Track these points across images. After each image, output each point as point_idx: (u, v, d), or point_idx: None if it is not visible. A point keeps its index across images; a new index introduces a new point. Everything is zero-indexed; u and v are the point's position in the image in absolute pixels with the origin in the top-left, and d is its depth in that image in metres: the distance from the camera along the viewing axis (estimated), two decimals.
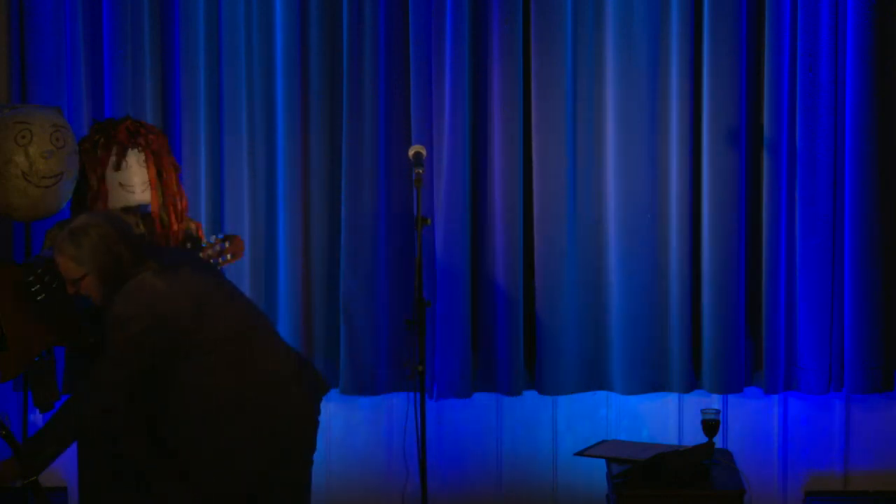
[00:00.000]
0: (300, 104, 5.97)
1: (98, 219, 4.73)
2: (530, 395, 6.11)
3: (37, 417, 5.95)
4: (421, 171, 5.15)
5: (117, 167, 5.26)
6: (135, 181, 5.28)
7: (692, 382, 6.03)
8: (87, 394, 4.65)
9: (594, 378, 6.08)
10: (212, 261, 5.21)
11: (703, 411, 5.73)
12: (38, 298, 5.02)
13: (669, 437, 6.11)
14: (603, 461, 5.75)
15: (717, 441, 5.83)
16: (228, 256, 5.23)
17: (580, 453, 5.80)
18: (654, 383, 6.04)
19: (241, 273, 5.95)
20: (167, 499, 4.84)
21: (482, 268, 6.04)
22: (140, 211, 5.36)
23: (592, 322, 6.05)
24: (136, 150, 5.28)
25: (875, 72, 5.89)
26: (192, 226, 5.41)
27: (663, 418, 6.14)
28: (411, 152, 5.25)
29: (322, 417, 6.15)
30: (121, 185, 5.27)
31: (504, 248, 5.98)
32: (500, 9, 5.93)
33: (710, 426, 5.69)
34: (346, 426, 6.16)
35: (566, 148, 5.97)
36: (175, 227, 5.33)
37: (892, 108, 5.94)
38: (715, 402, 6.05)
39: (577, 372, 6.05)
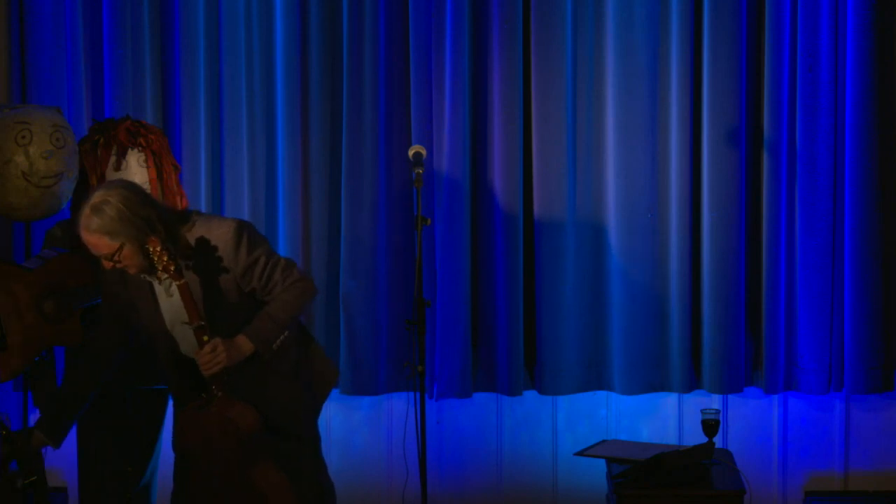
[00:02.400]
0: (300, 104, 5.97)
1: (113, 187, 4.69)
2: (530, 395, 6.11)
3: (37, 417, 5.94)
4: (421, 171, 5.15)
5: (117, 167, 5.27)
6: (135, 181, 5.28)
7: (692, 382, 6.03)
8: (296, 283, 4.77)
9: (594, 378, 6.08)
10: None
11: (703, 411, 5.74)
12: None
13: (669, 437, 6.11)
14: (603, 461, 5.76)
15: (717, 441, 5.83)
16: None
17: (580, 453, 5.80)
18: (654, 383, 6.04)
19: None
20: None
21: (482, 267, 6.04)
22: None
23: (592, 322, 6.05)
24: (136, 150, 5.28)
25: (875, 72, 5.89)
26: None
27: (663, 418, 6.14)
28: (411, 152, 5.25)
29: (322, 417, 6.17)
30: None
31: (504, 247, 5.98)
32: (500, 9, 5.92)
33: (710, 426, 5.69)
34: (346, 426, 6.16)
35: (566, 147, 5.97)
36: None
37: (892, 108, 5.94)
38: (715, 402, 6.05)
39: (577, 372, 6.05)
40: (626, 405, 6.14)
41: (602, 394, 6.13)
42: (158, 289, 4.80)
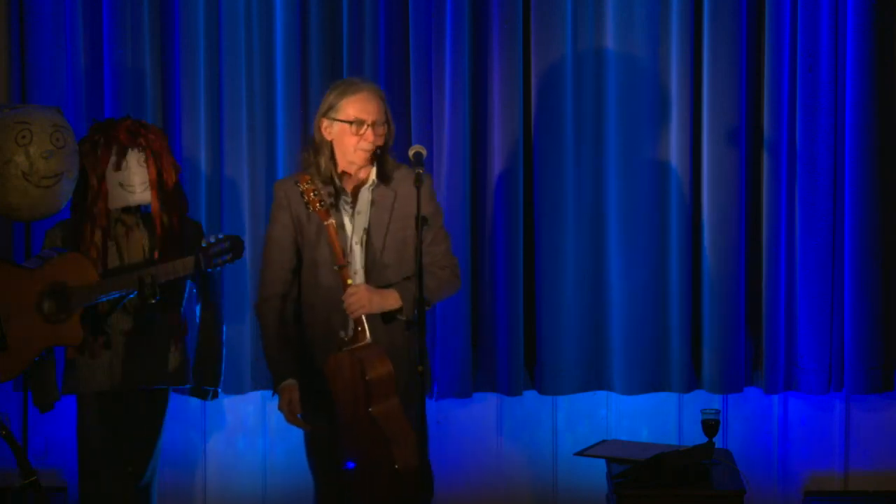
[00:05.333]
0: (300, 104, 5.97)
1: None
2: (530, 395, 6.11)
3: (37, 417, 5.95)
4: (421, 170, 5.14)
5: (117, 167, 5.27)
6: (135, 181, 5.28)
7: (692, 382, 6.03)
8: (454, 269, 5.08)
9: (594, 378, 6.08)
10: (212, 261, 5.21)
11: (703, 411, 5.73)
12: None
13: (669, 437, 6.11)
14: (603, 461, 5.75)
15: (717, 441, 5.83)
16: (228, 256, 5.23)
17: (580, 453, 5.80)
18: (654, 383, 6.04)
19: (242, 273, 5.95)
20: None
21: (482, 268, 6.04)
22: (140, 211, 5.37)
23: (592, 322, 6.04)
24: (136, 150, 5.28)
25: (875, 72, 5.89)
26: (193, 226, 5.42)
27: (663, 418, 6.14)
28: (411, 152, 5.24)
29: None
30: (121, 185, 5.28)
31: (504, 248, 5.98)
32: (500, 9, 5.93)
33: (710, 426, 5.69)
34: None
35: (566, 148, 5.97)
36: (175, 227, 5.33)
37: (892, 108, 5.94)
38: (715, 402, 6.05)
39: (577, 372, 6.04)
40: (626, 405, 6.14)
41: (602, 394, 6.13)
42: (348, 209, 4.99)
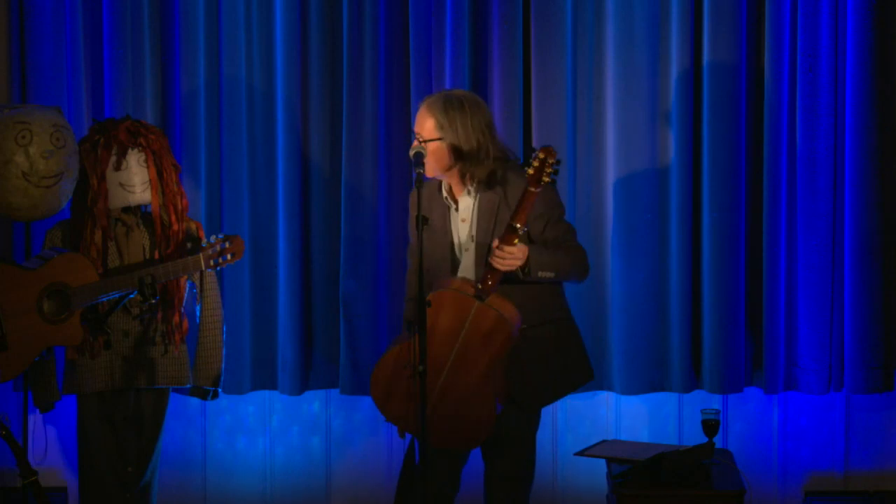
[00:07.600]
0: (300, 104, 5.97)
1: (476, 100, 5.08)
2: None
3: (37, 417, 5.96)
4: (421, 170, 5.15)
5: (117, 167, 5.27)
6: (135, 181, 5.29)
7: (692, 382, 6.03)
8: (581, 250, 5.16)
9: (594, 378, 6.07)
10: (212, 261, 5.21)
11: (703, 411, 5.74)
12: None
13: (669, 437, 6.11)
14: (603, 461, 5.76)
15: (717, 441, 5.83)
16: (229, 256, 5.24)
17: (580, 453, 5.80)
18: (654, 383, 6.04)
19: (241, 273, 5.95)
20: None
21: None
22: (140, 211, 5.37)
23: (592, 322, 6.04)
24: (136, 150, 5.29)
25: (875, 72, 5.89)
26: (192, 226, 5.42)
27: (663, 418, 6.14)
28: (411, 152, 5.24)
29: (322, 417, 6.16)
30: (121, 185, 5.28)
31: None
32: (500, 9, 5.93)
33: (710, 426, 5.69)
34: (346, 426, 6.16)
35: (566, 148, 5.97)
36: (175, 227, 5.34)
37: (892, 108, 5.94)
38: (715, 402, 6.05)
39: None
40: (626, 405, 6.14)
41: (602, 394, 6.13)
42: (454, 215, 5.11)
